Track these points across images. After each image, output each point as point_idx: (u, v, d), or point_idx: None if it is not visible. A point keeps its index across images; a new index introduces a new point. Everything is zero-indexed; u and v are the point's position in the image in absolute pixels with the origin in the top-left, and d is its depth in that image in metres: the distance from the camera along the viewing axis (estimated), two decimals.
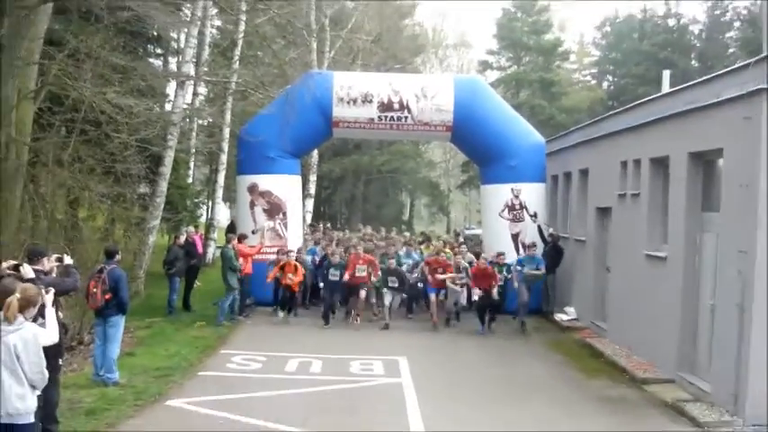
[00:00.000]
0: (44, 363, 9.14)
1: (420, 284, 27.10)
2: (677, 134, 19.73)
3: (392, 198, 71.76)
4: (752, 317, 15.53)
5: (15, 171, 17.16)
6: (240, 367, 18.26)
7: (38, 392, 9.23)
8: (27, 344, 8.95)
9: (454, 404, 16.15)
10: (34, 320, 9.46)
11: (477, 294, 25.61)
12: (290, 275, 24.90)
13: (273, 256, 26.32)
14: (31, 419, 9.11)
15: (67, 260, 13.01)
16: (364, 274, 25.53)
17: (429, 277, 25.92)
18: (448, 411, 15.49)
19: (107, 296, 15.93)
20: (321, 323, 24.76)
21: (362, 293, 25.63)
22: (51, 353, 11.79)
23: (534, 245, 27.02)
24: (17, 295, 9.11)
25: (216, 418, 14.19)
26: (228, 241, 25.81)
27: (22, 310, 9.03)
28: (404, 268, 27.35)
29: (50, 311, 10.10)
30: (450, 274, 25.81)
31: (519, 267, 26.41)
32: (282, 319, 25.40)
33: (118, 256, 16.60)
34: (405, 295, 27.69)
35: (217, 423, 13.92)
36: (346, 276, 25.20)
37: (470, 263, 26.80)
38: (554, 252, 27.16)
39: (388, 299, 26.08)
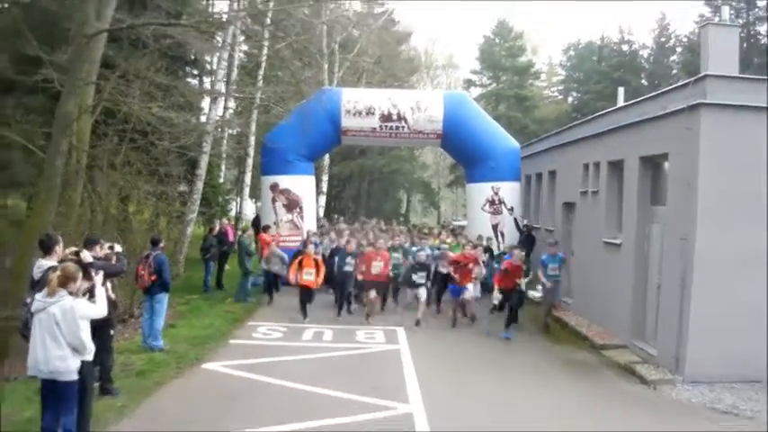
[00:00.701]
0: (81, 330, 9.26)
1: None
2: (630, 141, 19.80)
3: (391, 195, 71.92)
4: (690, 294, 15.67)
5: (76, 173, 17.25)
6: (264, 336, 18.35)
7: (82, 357, 9.33)
8: (65, 313, 9.08)
9: (443, 364, 16.32)
10: (88, 299, 9.57)
11: (497, 298, 20.91)
12: (307, 271, 21.05)
13: (295, 244, 25.32)
14: (73, 377, 9.25)
15: (118, 248, 13.10)
16: (379, 271, 21.41)
17: (456, 276, 21.34)
18: (437, 369, 15.63)
19: (153, 277, 16.05)
20: (333, 313, 21.86)
21: (373, 294, 21.32)
22: (103, 327, 12.01)
23: (557, 242, 23.77)
24: (57, 273, 9.24)
25: (244, 378, 14.31)
26: (244, 231, 25.99)
27: (62, 284, 9.16)
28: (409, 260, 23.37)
29: (100, 290, 10.19)
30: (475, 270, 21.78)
31: (550, 266, 22.21)
32: (302, 316, 21.12)
33: (161, 244, 16.73)
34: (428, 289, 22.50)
35: (244, 382, 14.03)
36: (359, 275, 21.56)
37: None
38: (528, 240, 27.19)
39: (422, 294, 21.66)
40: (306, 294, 21.05)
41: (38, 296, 9.19)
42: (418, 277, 21.60)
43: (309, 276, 21.05)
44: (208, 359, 15.69)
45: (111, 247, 12.94)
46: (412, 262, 22.57)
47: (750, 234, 15.46)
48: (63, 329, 9.04)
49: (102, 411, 11.36)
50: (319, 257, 21.94)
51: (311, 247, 21.80)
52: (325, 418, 11.66)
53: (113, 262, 12.55)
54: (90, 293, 9.55)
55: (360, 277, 21.62)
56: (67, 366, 9.13)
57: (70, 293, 9.21)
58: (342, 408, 12.37)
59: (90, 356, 9.46)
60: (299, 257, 21.52)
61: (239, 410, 11.88)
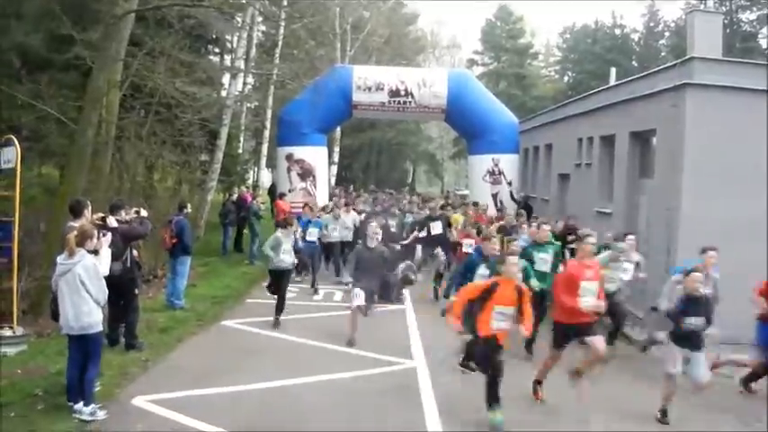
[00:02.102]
0: (104, 283, 9.28)
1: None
2: (621, 117, 19.75)
3: (398, 166, 72.04)
4: (675, 262, 15.58)
5: (105, 144, 17.23)
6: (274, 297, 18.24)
7: (101, 307, 9.39)
8: (88, 270, 9.06)
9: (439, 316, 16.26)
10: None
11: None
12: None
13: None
14: (99, 329, 9.31)
15: (143, 212, 13.08)
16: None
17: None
18: (436, 320, 15.47)
19: (174, 240, 16.01)
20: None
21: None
22: (128, 286, 12.00)
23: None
24: (74, 233, 9.20)
25: (259, 334, 14.35)
26: (254, 198, 26.02)
27: (79, 243, 9.11)
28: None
29: (105, 251, 10.10)
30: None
31: None
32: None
33: (186, 210, 16.64)
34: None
35: (259, 337, 14.07)
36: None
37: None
38: (526, 209, 27.12)
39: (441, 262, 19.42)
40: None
41: (59, 259, 9.16)
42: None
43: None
44: (226, 317, 15.69)
45: (138, 212, 12.93)
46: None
47: (732, 206, 15.35)
48: (88, 286, 9.02)
49: (128, 365, 11.38)
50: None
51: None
52: (336, 373, 11.67)
53: (137, 225, 12.53)
54: (95, 252, 9.47)
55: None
56: (95, 320, 9.15)
57: (89, 252, 9.18)
58: (350, 363, 12.37)
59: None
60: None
61: (254, 364, 11.89)
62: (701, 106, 15.87)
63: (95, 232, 9.51)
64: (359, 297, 13.64)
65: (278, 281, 15.22)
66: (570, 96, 44.94)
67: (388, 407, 10.14)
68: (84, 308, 9.04)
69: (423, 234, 20.79)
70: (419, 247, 21.84)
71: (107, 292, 9.37)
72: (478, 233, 17.34)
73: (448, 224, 21.00)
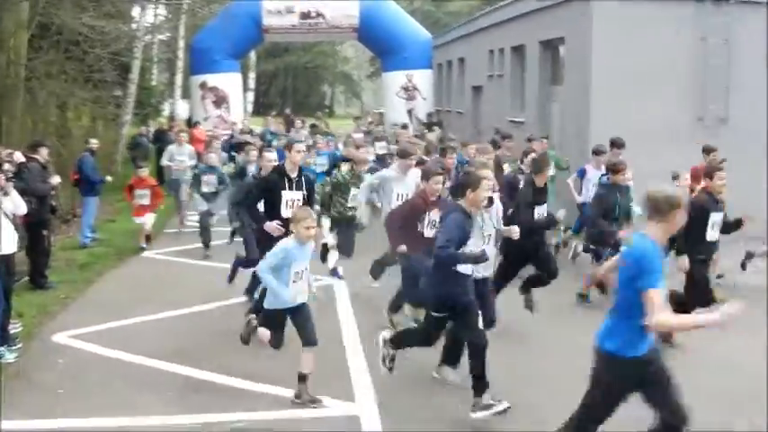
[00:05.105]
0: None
1: None
2: (531, 27, 19.86)
3: (316, 89, 71.58)
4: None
5: (14, 86, 16.76)
6: (196, 224, 17.95)
7: None
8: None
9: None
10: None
11: None
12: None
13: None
14: None
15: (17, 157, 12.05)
16: None
17: None
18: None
19: (76, 176, 15.62)
20: None
21: None
22: (36, 227, 11.57)
23: None
24: None
25: (179, 262, 14.27)
26: (170, 129, 25.33)
27: None
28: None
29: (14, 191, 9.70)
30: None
31: None
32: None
33: (89, 146, 16.13)
34: None
35: (180, 266, 13.99)
36: None
37: None
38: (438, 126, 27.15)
39: None
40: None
41: None
42: None
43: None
44: (147, 248, 15.41)
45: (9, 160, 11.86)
46: None
47: (638, 109, 15.58)
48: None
49: (49, 304, 11.14)
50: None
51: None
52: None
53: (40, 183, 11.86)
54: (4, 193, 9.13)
55: None
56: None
57: None
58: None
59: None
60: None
61: (172, 293, 11.77)
62: (607, 12, 15.92)
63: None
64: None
65: None
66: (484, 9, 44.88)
67: None
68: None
69: None
70: None
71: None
72: None
73: None
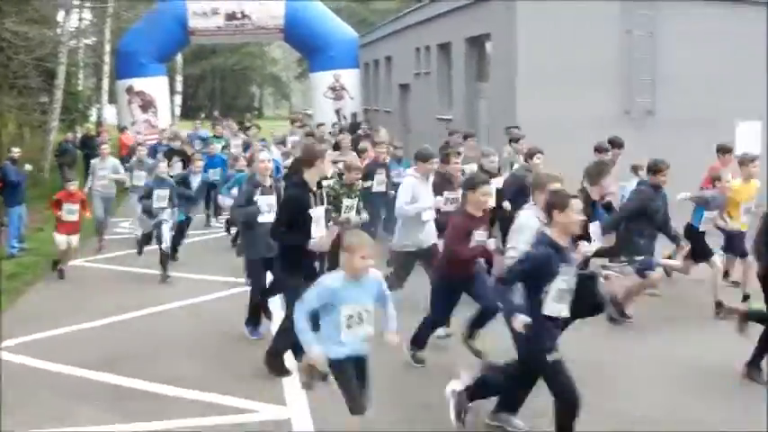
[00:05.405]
0: None
1: None
2: (457, 24, 19.94)
3: (244, 91, 71.12)
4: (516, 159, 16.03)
5: None
6: (127, 230, 17.60)
7: None
8: None
9: None
10: None
11: None
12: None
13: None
14: None
15: None
16: None
17: None
18: None
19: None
20: None
21: None
22: None
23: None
24: None
25: (107, 269, 14.09)
26: (98, 134, 24.87)
27: None
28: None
29: None
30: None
31: None
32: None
33: (11, 154, 15.80)
34: None
35: (109, 273, 13.80)
36: None
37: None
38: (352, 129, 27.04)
39: None
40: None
41: None
42: None
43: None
44: (77, 256, 15.09)
45: None
46: None
47: (565, 104, 15.77)
48: None
49: None
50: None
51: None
52: (188, 299, 11.54)
53: None
54: None
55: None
56: None
57: None
58: (202, 286, 12.26)
59: None
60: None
61: (100, 301, 11.57)
62: (532, 7, 16.11)
63: None
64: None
65: None
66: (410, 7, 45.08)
67: None
68: None
69: None
70: None
71: None
72: None
73: None
